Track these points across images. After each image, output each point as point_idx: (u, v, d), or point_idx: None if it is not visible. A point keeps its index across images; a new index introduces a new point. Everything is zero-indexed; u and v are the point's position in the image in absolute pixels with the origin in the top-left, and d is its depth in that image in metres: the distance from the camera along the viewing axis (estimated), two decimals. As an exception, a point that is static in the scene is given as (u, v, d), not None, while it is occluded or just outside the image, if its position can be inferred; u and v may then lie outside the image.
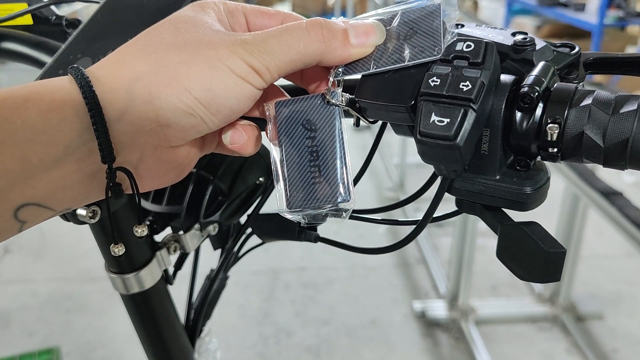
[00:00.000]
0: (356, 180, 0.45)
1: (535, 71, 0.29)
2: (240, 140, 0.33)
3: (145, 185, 0.31)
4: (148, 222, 0.41)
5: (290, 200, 0.33)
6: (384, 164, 3.36)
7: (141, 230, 0.32)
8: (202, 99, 0.29)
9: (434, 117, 0.28)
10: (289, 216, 0.34)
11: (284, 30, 0.31)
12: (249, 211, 0.46)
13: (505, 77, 0.30)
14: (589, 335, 1.99)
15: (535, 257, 0.29)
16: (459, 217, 1.97)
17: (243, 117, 0.33)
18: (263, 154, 0.45)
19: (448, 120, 0.27)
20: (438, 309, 2.10)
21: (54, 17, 0.54)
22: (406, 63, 0.30)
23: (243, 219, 0.48)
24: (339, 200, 0.32)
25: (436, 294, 2.22)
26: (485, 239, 2.59)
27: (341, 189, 0.32)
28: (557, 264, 0.29)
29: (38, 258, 2.48)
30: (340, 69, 0.33)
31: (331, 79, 0.33)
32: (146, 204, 0.42)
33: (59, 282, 2.30)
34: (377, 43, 0.32)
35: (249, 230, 0.50)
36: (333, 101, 0.32)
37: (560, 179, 1.51)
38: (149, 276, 0.40)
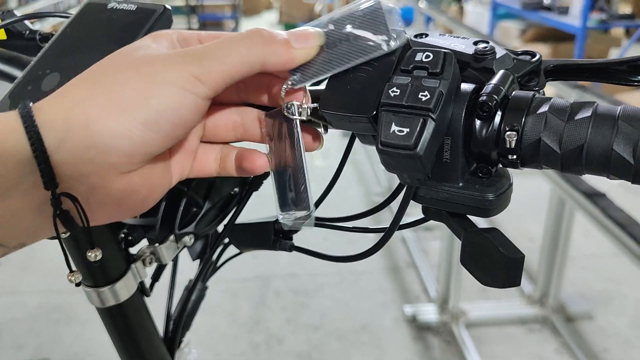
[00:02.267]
0: (329, 188, 0.46)
1: (494, 80, 0.30)
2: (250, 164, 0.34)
3: (100, 217, 0.31)
4: (123, 235, 0.41)
5: (279, 205, 0.35)
6: (372, 169, 3.37)
7: (94, 255, 0.32)
8: (140, 117, 0.28)
9: (394, 127, 0.28)
10: (281, 219, 0.35)
11: (225, 38, 0.31)
12: (226, 221, 0.46)
13: (465, 86, 0.30)
14: (578, 335, 2.01)
15: (497, 263, 0.30)
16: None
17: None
18: None
19: (408, 130, 0.28)
20: (429, 312, 2.10)
21: (28, 32, 0.54)
22: (357, 61, 0.31)
23: (221, 229, 0.48)
24: (292, 209, 0.33)
25: (426, 297, 2.23)
26: (474, 241, 2.60)
27: (299, 199, 0.33)
28: (517, 269, 0.30)
29: (26, 270, 2.47)
30: (293, 78, 0.33)
31: (284, 88, 0.33)
32: None
33: (47, 294, 2.29)
34: (319, 44, 0.32)
35: (227, 240, 0.50)
36: (287, 114, 0.33)
37: (545, 181, 1.52)
38: (124, 289, 0.40)
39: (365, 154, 3.50)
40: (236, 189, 0.45)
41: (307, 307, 2.22)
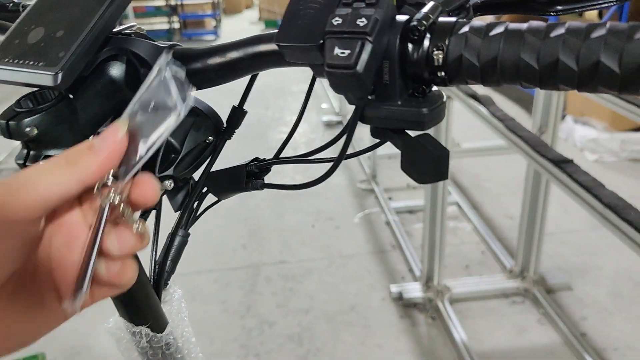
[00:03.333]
0: (294, 129, 0.50)
1: (425, 9, 0.35)
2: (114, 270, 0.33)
3: None
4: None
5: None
6: (357, 157, 3.42)
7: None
8: None
9: (337, 50, 0.33)
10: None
11: (31, 170, 0.30)
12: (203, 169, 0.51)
13: (400, 17, 0.36)
14: (558, 305, 2.08)
15: (426, 161, 0.35)
16: (429, 203, 2.04)
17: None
18: (210, 115, 0.50)
19: (349, 51, 0.33)
20: (414, 290, 2.16)
21: (11, 4, 0.59)
22: (164, 133, 0.32)
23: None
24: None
25: (412, 277, 2.29)
26: (455, 221, 2.67)
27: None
28: (443, 164, 0.35)
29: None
30: (120, 171, 0.33)
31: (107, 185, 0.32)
32: None
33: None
34: (122, 132, 0.32)
35: (205, 190, 0.55)
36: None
37: (522, 157, 1.58)
38: None
39: (350, 145, 3.55)
40: (211, 137, 0.50)
41: (297, 292, 2.27)
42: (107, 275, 0.32)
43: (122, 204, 0.32)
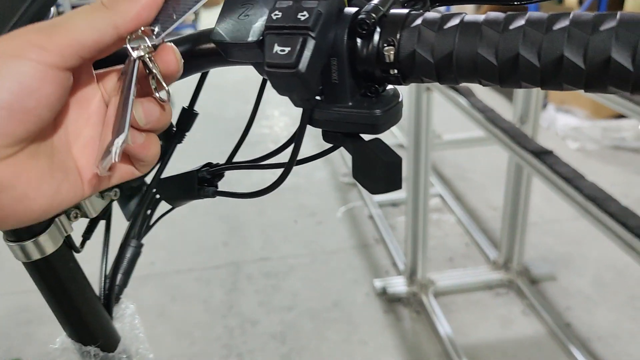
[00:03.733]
0: (245, 134, 0.47)
1: (375, 1, 0.31)
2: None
3: None
4: None
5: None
6: (339, 150, 3.39)
7: None
8: None
9: (276, 48, 0.30)
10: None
11: (73, 10, 0.31)
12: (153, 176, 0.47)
13: (348, 9, 0.32)
14: (543, 296, 2.07)
15: (378, 169, 0.32)
16: (411, 195, 2.01)
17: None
18: None
19: (289, 48, 0.29)
20: (398, 285, 2.14)
21: None
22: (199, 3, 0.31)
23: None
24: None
25: (396, 271, 2.27)
26: (439, 214, 2.65)
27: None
28: (396, 172, 0.32)
29: (-8, 273, 2.43)
30: (156, 32, 0.32)
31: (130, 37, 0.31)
32: None
33: (15, 295, 2.26)
34: None
35: (157, 196, 0.51)
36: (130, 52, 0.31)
37: (502, 149, 1.56)
38: (48, 242, 0.41)
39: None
40: (159, 142, 0.46)
41: (280, 289, 2.24)
42: (133, 147, 0.33)
43: (150, 65, 0.32)
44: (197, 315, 2.12)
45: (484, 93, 4.14)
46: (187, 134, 0.49)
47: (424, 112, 1.82)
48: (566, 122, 3.30)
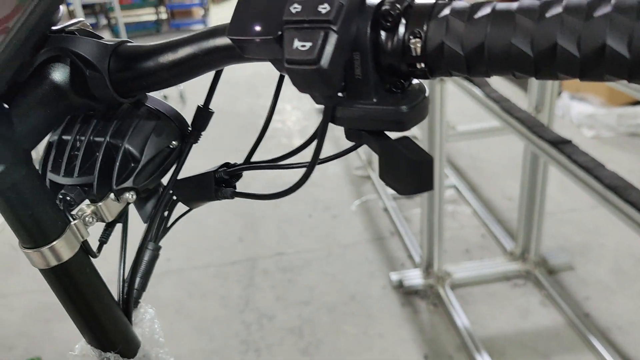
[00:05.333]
0: (263, 131, 0.46)
1: None
2: None
3: None
4: (61, 196, 0.41)
5: None
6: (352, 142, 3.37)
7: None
8: None
9: (297, 43, 0.28)
10: None
11: None
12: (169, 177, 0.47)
13: (370, 1, 0.30)
14: (561, 286, 2.05)
15: (407, 169, 0.30)
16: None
17: None
18: (173, 118, 0.45)
19: (310, 44, 0.28)
20: (414, 277, 2.13)
21: None
22: None
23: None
24: None
25: (412, 263, 2.26)
26: (454, 205, 2.63)
27: None
28: (427, 172, 0.30)
29: (11, 273, 2.46)
30: None
31: None
32: (57, 178, 0.42)
33: (35, 294, 2.28)
34: None
35: (174, 198, 0.50)
36: None
37: (518, 138, 1.54)
38: (65, 247, 0.41)
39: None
40: (175, 142, 0.45)
41: (296, 284, 2.24)
42: None
43: None
44: (215, 311, 2.12)
45: (498, 82, 4.09)
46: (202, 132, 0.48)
47: (437, 103, 1.80)
48: (581, 109, 3.25)
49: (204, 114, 0.46)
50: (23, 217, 0.38)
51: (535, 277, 2.08)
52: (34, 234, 0.40)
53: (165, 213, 0.51)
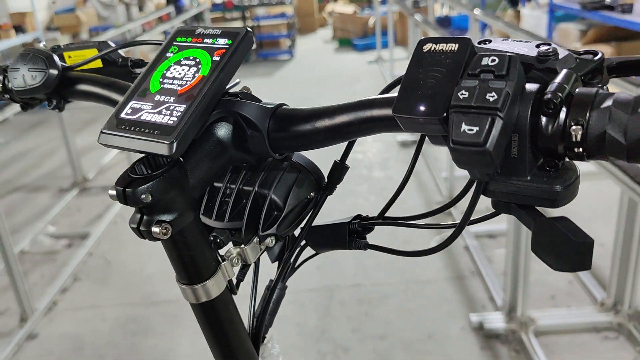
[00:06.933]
0: (401, 189, 0.48)
1: (558, 79, 0.32)
2: None
3: None
4: (212, 238, 0.46)
5: None
6: (433, 177, 3.35)
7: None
8: None
9: (464, 127, 0.31)
10: None
11: None
12: (302, 225, 0.50)
13: (530, 86, 0.33)
14: (657, 343, 1.92)
15: (567, 248, 0.32)
16: (512, 227, 1.95)
17: None
18: (312, 171, 0.49)
19: (477, 128, 0.31)
20: (496, 320, 2.07)
21: (120, 60, 0.61)
22: None
23: (297, 233, 0.52)
24: None
25: (493, 306, 2.20)
26: (541, 248, 2.54)
27: None
28: (587, 253, 0.32)
29: (104, 285, 2.61)
30: None
31: None
32: (209, 221, 0.46)
33: (124, 307, 2.41)
34: None
35: (303, 242, 0.54)
36: None
37: (614, 183, 1.48)
38: (215, 286, 0.45)
39: (425, 164, 3.49)
40: (312, 194, 0.49)
41: (372, 317, 2.23)
42: None
43: None
44: (292, 338, 2.16)
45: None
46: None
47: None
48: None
49: (339, 168, 0.50)
50: (185, 257, 0.43)
51: (629, 330, 1.96)
52: (191, 272, 0.44)
53: (293, 255, 0.54)
